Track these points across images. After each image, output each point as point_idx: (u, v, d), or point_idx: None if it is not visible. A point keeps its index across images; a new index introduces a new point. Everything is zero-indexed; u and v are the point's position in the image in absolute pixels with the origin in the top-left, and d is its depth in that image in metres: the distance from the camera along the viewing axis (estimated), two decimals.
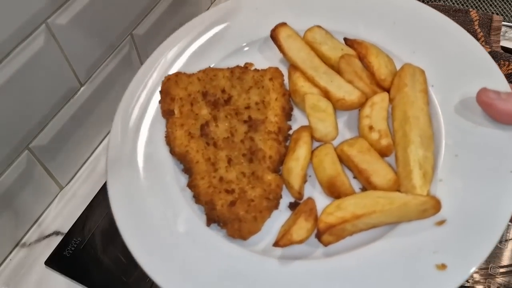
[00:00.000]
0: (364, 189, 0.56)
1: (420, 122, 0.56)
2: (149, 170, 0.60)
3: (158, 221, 0.56)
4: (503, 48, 1.02)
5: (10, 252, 0.82)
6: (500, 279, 0.74)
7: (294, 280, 0.51)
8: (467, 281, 0.72)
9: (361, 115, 0.58)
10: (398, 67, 0.62)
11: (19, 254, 0.81)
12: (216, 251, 0.53)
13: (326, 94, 0.61)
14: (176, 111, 0.63)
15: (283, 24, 0.67)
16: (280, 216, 0.56)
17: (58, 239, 0.82)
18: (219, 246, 0.54)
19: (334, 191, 0.55)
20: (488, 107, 0.52)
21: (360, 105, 0.60)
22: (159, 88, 0.65)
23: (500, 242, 0.78)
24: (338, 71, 0.63)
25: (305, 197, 0.57)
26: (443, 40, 0.62)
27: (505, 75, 0.85)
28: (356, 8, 0.69)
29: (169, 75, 0.65)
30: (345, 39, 0.65)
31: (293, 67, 0.65)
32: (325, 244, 0.51)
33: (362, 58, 0.63)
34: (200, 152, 0.59)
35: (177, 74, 0.65)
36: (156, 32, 0.97)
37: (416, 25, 0.65)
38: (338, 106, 0.60)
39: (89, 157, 0.94)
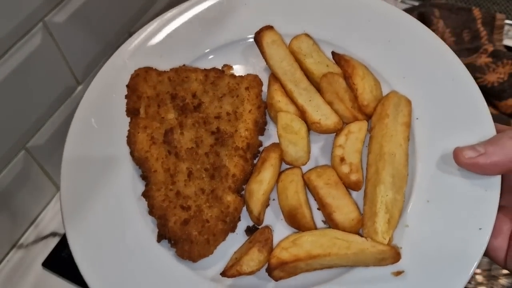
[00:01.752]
0: (327, 225, 0.53)
1: (396, 160, 0.52)
2: (106, 170, 0.57)
3: (108, 229, 0.53)
4: (506, 47, 1.01)
5: (7, 253, 0.81)
6: (503, 281, 0.73)
7: None
8: (469, 282, 0.71)
9: (335, 143, 0.55)
10: (386, 92, 0.58)
11: (16, 255, 0.80)
12: (163, 270, 0.51)
13: (302, 114, 0.57)
14: (142, 111, 0.59)
15: (269, 27, 0.62)
16: (236, 240, 0.54)
17: (55, 241, 0.80)
18: (166, 266, 0.51)
19: (294, 222, 0.52)
20: (472, 167, 0.49)
21: (336, 131, 0.56)
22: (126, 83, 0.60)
23: None
24: (319, 89, 0.58)
25: (266, 222, 0.54)
26: (437, 70, 0.57)
27: (508, 74, 0.89)
28: (352, 18, 0.63)
29: (139, 70, 0.60)
30: (333, 54, 0.60)
31: (274, 77, 0.60)
32: (276, 280, 0.49)
33: (347, 78, 0.58)
34: (159, 160, 0.55)
35: (147, 69, 0.60)
36: None
37: (411, 47, 0.60)
38: (313, 128, 0.56)
39: None
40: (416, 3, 1.13)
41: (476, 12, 1.03)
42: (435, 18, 1.02)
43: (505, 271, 0.74)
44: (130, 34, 0.83)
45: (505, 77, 0.90)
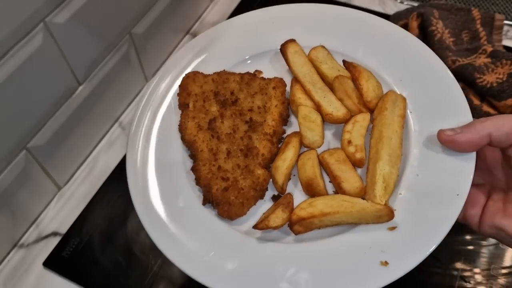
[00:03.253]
0: (336, 192, 0.66)
1: (392, 143, 0.65)
2: (162, 151, 0.72)
3: (164, 194, 0.68)
4: (505, 47, 1.01)
5: (8, 253, 0.80)
6: (502, 280, 0.75)
7: (267, 258, 0.62)
8: (468, 282, 0.77)
9: (344, 129, 0.68)
10: (385, 91, 0.72)
11: (17, 255, 0.80)
12: (207, 226, 0.65)
13: (318, 108, 0.71)
14: (190, 105, 0.74)
15: (292, 40, 0.77)
16: (263, 205, 0.67)
17: (56, 240, 0.81)
18: (210, 222, 0.65)
19: (311, 191, 0.65)
20: (451, 143, 0.61)
21: (345, 121, 0.69)
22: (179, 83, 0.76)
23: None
24: (332, 88, 0.73)
25: (287, 191, 0.68)
26: (427, 75, 0.71)
27: (507, 74, 0.91)
28: (360, 34, 0.78)
29: (189, 73, 0.76)
30: (344, 61, 0.75)
31: (295, 79, 0.75)
32: (295, 233, 0.62)
33: (354, 80, 0.72)
34: (205, 142, 0.70)
35: (195, 73, 0.76)
36: (155, 30, 0.97)
37: (408, 57, 0.74)
38: (326, 119, 0.70)
39: (87, 157, 0.93)
40: (415, 4, 1.12)
41: (475, 13, 1.01)
42: (435, 19, 1.00)
43: (504, 271, 0.78)
44: (131, 35, 0.89)
45: (504, 77, 0.89)
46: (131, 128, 0.73)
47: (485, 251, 0.81)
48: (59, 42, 0.72)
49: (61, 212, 0.87)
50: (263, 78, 0.76)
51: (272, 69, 0.78)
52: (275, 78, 0.75)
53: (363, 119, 0.68)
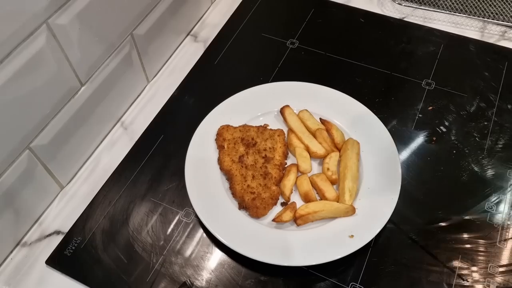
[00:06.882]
0: (321, 199, 1.08)
1: (352, 169, 1.08)
2: (209, 175, 1.10)
3: (212, 201, 1.05)
4: (504, 48, 1.05)
5: (11, 251, 0.80)
6: (499, 278, 0.74)
7: (280, 239, 1.00)
8: (466, 280, 0.77)
9: (324, 161, 1.11)
10: (347, 137, 1.17)
11: (20, 253, 0.80)
12: (242, 222, 1.03)
13: (307, 148, 1.13)
14: (225, 146, 1.14)
15: (287, 105, 1.20)
16: (276, 208, 1.06)
17: (58, 238, 0.81)
18: (243, 219, 1.04)
19: (307, 198, 1.07)
20: None
21: (324, 157, 1.12)
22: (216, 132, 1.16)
23: (499, 241, 0.82)
24: (314, 136, 1.16)
25: (291, 200, 1.09)
26: (371, 129, 1.15)
27: None
28: (331, 103, 1.21)
29: (223, 125, 1.16)
30: (320, 119, 1.19)
31: (290, 130, 1.18)
32: (298, 225, 1.02)
33: (328, 131, 1.16)
34: (237, 170, 1.10)
35: (227, 125, 1.16)
36: (156, 32, 1.00)
37: (360, 118, 1.18)
38: (312, 155, 1.13)
39: (89, 157, 0.94)
40: (414, 6, 1.19)
41: None
42: None
43: (501, 269, 0.77)
44: (132, 36, 0.92)
45: None
46: (186, 162, 1.12)
47: (482, 250, 0.82)
48: (62, 43, 0.72)
49: (64, 211, 0.86)
50: (270, 129, 1.18)
51: (276, 122, 1.18)
52: (278, 129, 1.17)
53: (335, 155, 1.12)
